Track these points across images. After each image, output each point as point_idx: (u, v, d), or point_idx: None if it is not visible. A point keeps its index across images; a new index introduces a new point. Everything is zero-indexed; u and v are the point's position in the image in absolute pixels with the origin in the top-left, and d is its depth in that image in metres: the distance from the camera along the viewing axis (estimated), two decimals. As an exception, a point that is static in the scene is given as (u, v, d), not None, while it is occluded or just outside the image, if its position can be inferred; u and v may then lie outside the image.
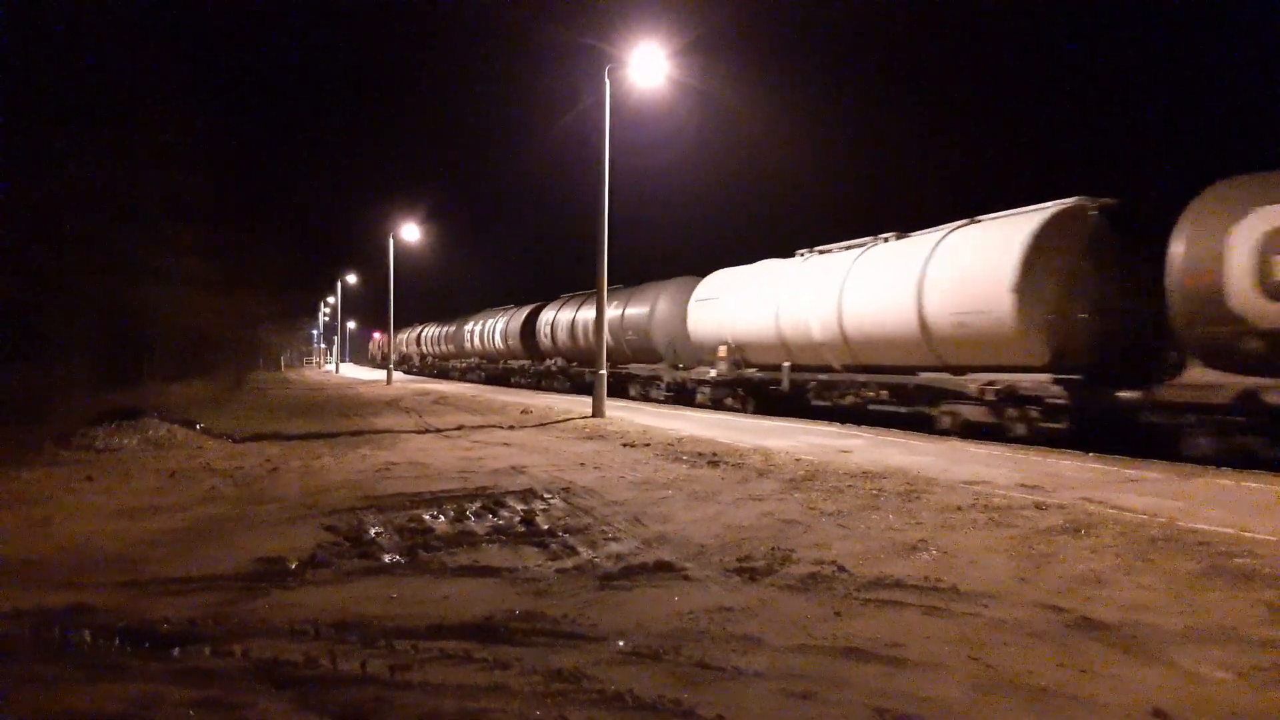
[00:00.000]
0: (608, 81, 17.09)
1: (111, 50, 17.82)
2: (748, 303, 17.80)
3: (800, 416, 16.30)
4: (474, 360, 41.86)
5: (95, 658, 3.62)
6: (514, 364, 35.21)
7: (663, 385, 22.57)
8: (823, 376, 15.72)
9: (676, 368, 21.87)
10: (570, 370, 28.77)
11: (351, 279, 64.36)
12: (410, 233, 40.14)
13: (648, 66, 16.75)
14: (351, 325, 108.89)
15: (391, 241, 40.40)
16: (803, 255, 17.21)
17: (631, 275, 26.13)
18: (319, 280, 62.74)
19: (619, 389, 24.55)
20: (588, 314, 25.86)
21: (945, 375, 12.63)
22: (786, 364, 16.60)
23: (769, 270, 17.96)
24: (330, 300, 73.96)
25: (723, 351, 18.77)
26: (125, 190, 18.46)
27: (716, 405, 19.52)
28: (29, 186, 15.02)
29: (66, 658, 3.62)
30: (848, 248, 15.83)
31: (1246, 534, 5.72)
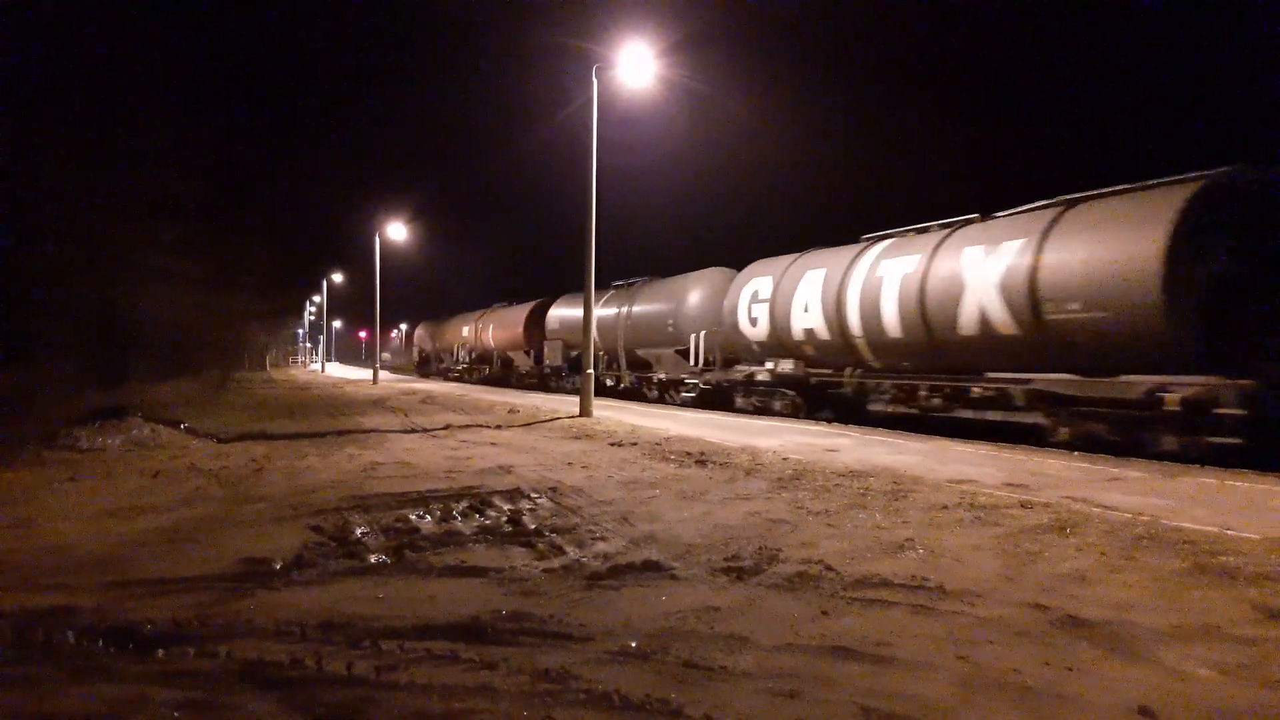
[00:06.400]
0: (595, 81, 17.08)
1: (98, 47, 17.69)
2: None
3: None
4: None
5: (79, 659, 3.59)
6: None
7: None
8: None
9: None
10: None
11: (338, 278, 64.07)
12: (397, 231, 39.94)
13: (636, 66, 16.74)
14: (338, 324, 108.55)
15: (377, 240, 40.20)
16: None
17: (632, 271, 25.46)
18: (306, 279, 62.39)
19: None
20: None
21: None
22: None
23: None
24: (316, 299, 73.62)
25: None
26: (111, 187, 18.32)
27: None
28: (12, 183, 14.89)
29: (50, 659, 3.58)
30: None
31: (1230, 533, 5.76)
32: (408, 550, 5.48)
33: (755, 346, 17.34)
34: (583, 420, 15.85)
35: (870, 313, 14.03)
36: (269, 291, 36.52)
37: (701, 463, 9.56)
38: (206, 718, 3.02)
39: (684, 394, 20.79)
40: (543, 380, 30.45)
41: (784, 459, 9.76)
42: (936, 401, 13.20)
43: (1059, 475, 8.58)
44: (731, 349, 18.67)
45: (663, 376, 21.77)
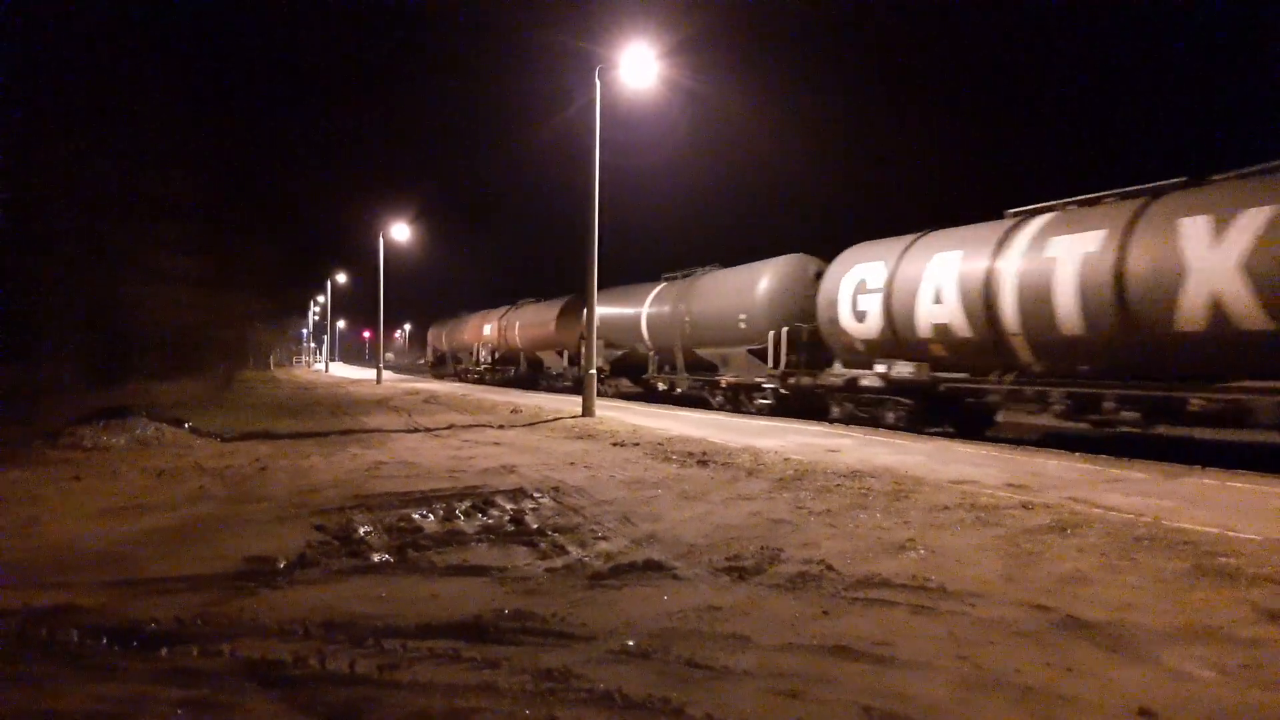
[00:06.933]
0: (598, 82, 17.10)
1: (101, 47, 17.74)
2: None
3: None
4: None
5: (82, 658, 3.60)
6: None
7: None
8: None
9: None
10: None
11: (342, 278, 64.23)
12: (401, 232, 39.97)
13: (638, 67, 16.76)
14: (341, 324, 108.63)
15: (381, 240, 40.27)
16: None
17: (640, 269, 25.04)
18: (309, 278, 62.56)
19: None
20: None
21: None
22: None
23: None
24: (320, 299, 73.71)
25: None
26: (115, 187, 18.37)
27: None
28: (16, 184, 14.93)
29: (53, 658, 3.60)
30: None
31: (1231, 533, 5.76)
32: (410, 549, 5.49)
33: (860, 345, 14.74)
34: (585, 420, 15.86)
35: (1035, 303, 11.38)
36: (272, 291, 36.60)
37: (703, 463, 9.57)
38: (210, 716, 3.03)
39: (759, 400, 18.05)
40: (578, 383, 28.69)
41: (785, 459, 9.76)
42: (1128, 415, 10.60)
43: (1060, 476, 8.58)
44: (822, 348, 16.21)
45: (731, 379, 19.13)
